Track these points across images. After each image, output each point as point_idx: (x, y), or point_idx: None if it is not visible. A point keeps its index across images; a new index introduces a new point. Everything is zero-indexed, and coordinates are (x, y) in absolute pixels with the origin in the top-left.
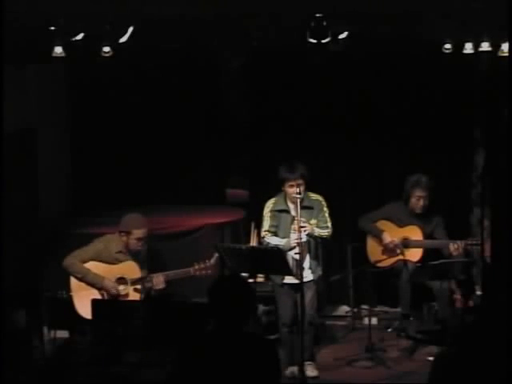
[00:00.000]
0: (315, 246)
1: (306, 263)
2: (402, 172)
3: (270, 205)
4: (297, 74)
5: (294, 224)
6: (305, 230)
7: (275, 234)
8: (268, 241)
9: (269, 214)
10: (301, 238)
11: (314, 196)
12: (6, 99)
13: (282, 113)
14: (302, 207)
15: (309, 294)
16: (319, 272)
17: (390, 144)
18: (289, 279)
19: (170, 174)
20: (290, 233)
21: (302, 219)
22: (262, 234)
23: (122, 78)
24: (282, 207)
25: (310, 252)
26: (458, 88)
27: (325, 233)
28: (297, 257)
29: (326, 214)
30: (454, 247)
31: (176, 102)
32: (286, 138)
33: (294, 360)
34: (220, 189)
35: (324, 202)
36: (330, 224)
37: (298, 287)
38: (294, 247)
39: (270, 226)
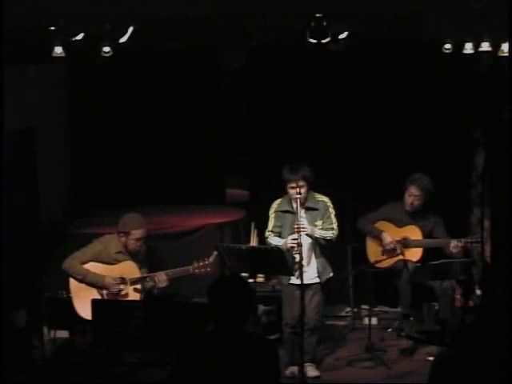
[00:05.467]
0: (321, 248)
1: (312, 265)
2: (402, 172)
3: (275, 205)
4: (297, 73)
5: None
6: (304, 231)
7: (279, 235)
8: (270, 241)
9: (273, 215)
10: (299, 239)
11: (319, 197)
12: (6, 99)
13: (282, 113)
14: (307, 208)
15: (314, 299)
16: (327, 275)
17: (390, 144)
18: (295, 279)
19: (169, 174)
20: (292, 233)
21: (302, 220)
22: (266, 234)
23: (121, 77)
24: (286, 208)
25: (315, 254)
26: (458, 88)
27: (329, 234)
28: (297, 257)
29: (332, 216)
30: (454, 245)
31: (176, 102)
32: (286, 138)
33: (294, 360)
34: (220, 189)
35: (330, 204)
36: (335, 226)
37: (304, 288)
38: (292, 247)
39: (274, 226)
